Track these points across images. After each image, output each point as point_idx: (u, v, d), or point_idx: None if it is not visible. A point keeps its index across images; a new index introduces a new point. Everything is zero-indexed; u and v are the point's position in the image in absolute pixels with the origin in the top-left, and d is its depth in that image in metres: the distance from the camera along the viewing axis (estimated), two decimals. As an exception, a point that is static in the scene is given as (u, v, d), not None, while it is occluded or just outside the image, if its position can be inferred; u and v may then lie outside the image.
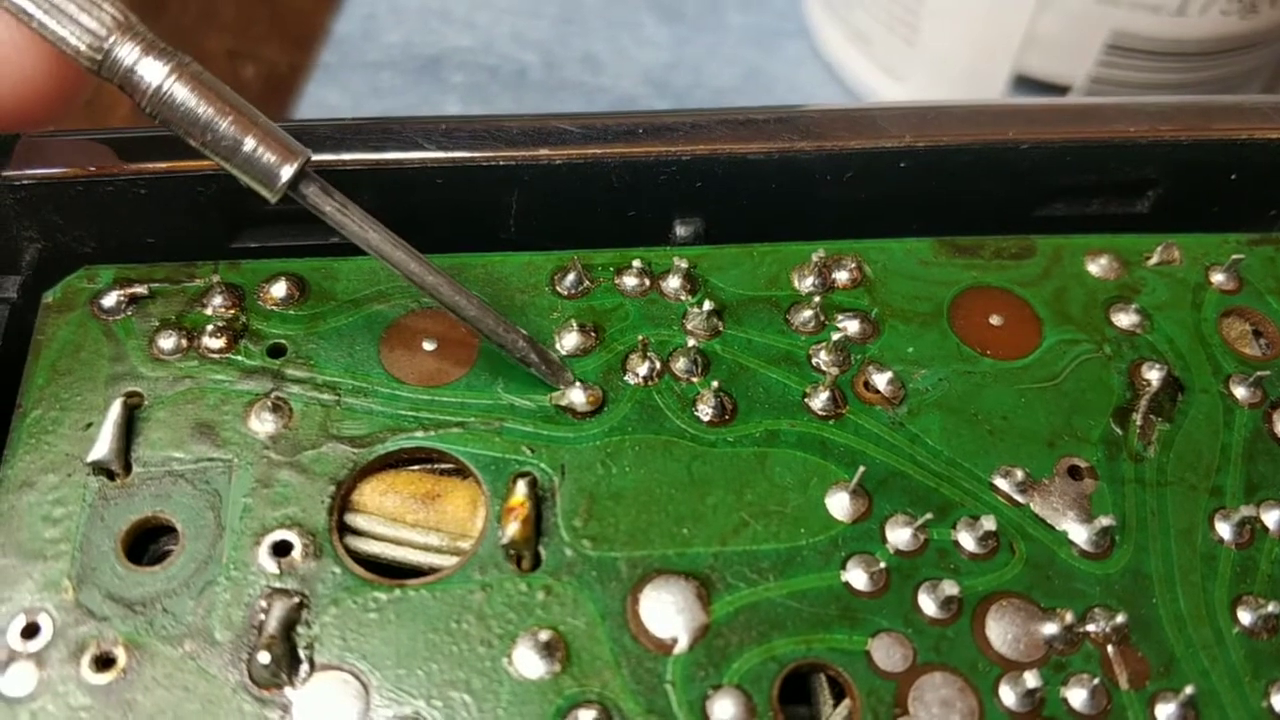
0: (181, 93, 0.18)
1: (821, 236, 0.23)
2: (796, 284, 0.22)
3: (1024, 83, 0.41)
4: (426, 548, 0.19)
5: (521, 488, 0.19)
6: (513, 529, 0.18)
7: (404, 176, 0.22)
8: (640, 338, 0.21)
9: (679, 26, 0.46)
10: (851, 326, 0.22)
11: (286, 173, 0.18)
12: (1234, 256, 0.23)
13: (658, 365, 0.21)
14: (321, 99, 0.43)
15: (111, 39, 0.18)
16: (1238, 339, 0.23)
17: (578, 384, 0.20)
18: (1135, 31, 0.38)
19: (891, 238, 0.23)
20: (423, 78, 0.44)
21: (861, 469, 0.19)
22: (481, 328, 0.20)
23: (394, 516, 0.19)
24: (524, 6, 0.46)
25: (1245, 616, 0.19)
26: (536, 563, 0.19)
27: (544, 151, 0.22)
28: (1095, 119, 0.23)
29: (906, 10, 0.41)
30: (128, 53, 0.18)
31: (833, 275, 0.22)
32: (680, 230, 0.23)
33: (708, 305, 0.21)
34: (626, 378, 0.21)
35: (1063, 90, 0.40)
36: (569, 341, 0.21)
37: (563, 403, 0.20)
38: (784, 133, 0.23)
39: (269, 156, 0.18)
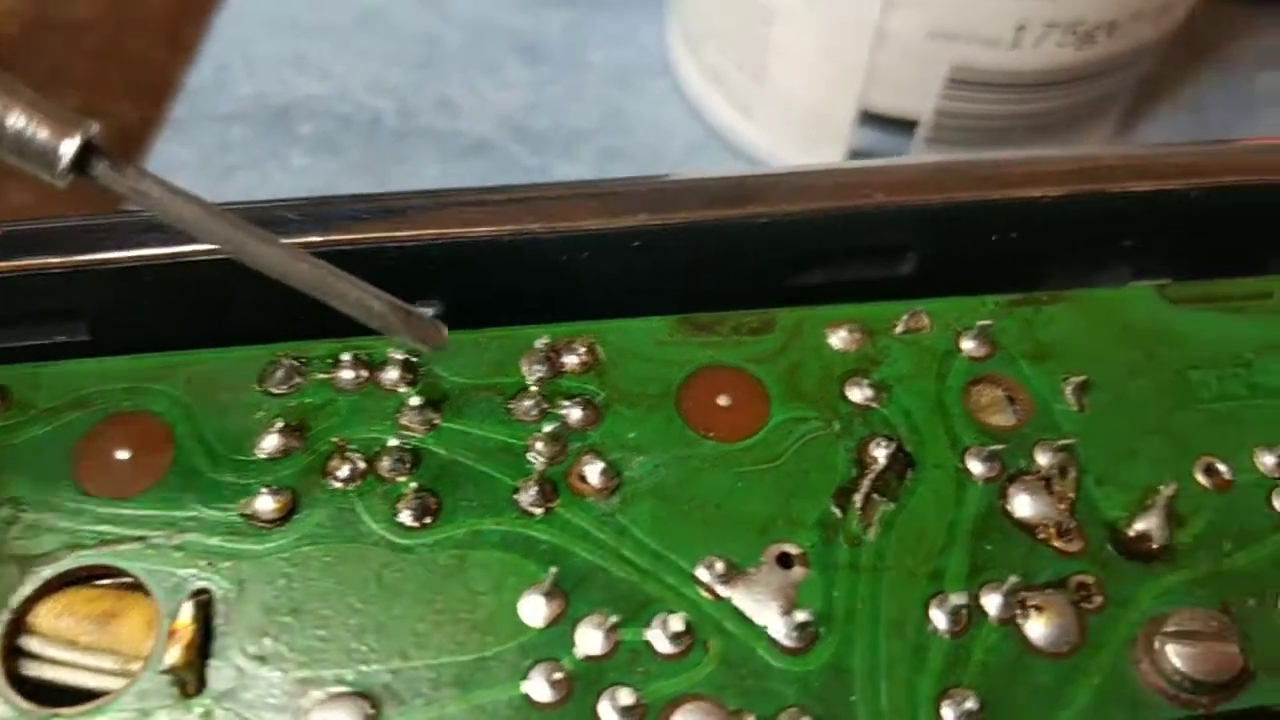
0: None
1: (564, 318, 0.22)
2: (524, 370, 0.22)
3: (872, 119, 0.40)
4: (100, 671, 0.19)
5: (188, 609, 0.18)
6: (172, 654, 0.18)
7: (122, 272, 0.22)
8: (335, 439, 0.20)
9: (541, 67, 0.46)
10: (574, 414, 0.21)
11: (69, 148, 0.16)
12: (980, 322, 0.22)
13: (360, 466, 0.20)
14: (170, 156, 0.43)
15: None
16: (989, 406, 0.22)
17: (264, 490, 0.20)
18: (974, 65, 0.37)
19: (637, 317, 0.23)
20: (272, 130, 0.43)
21: (553, 570, 0.19)
22: (330, 300, 0.18)
23: (68, 639, 0.19)
24: (383, 51, 0.46)
25: (949, 712, 0.19)
26: (204, 687, 0.18)
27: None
28: (840, 188, 0.23)
29: (753, 48, 0.40)
30: None
31: (562, 359, 0.22)
32: (416, 314, 0.23)
33: (415, 400, 0.20)
34: (327, 480, 0.20)
35: (911, 125, 0.40)
36: (268, 444, 0.20)
37: (248, 511, 0.20)
38: (515, 213, 0.22)
39: (42, 133, 0.16)
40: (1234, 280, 0.25)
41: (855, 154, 0.42)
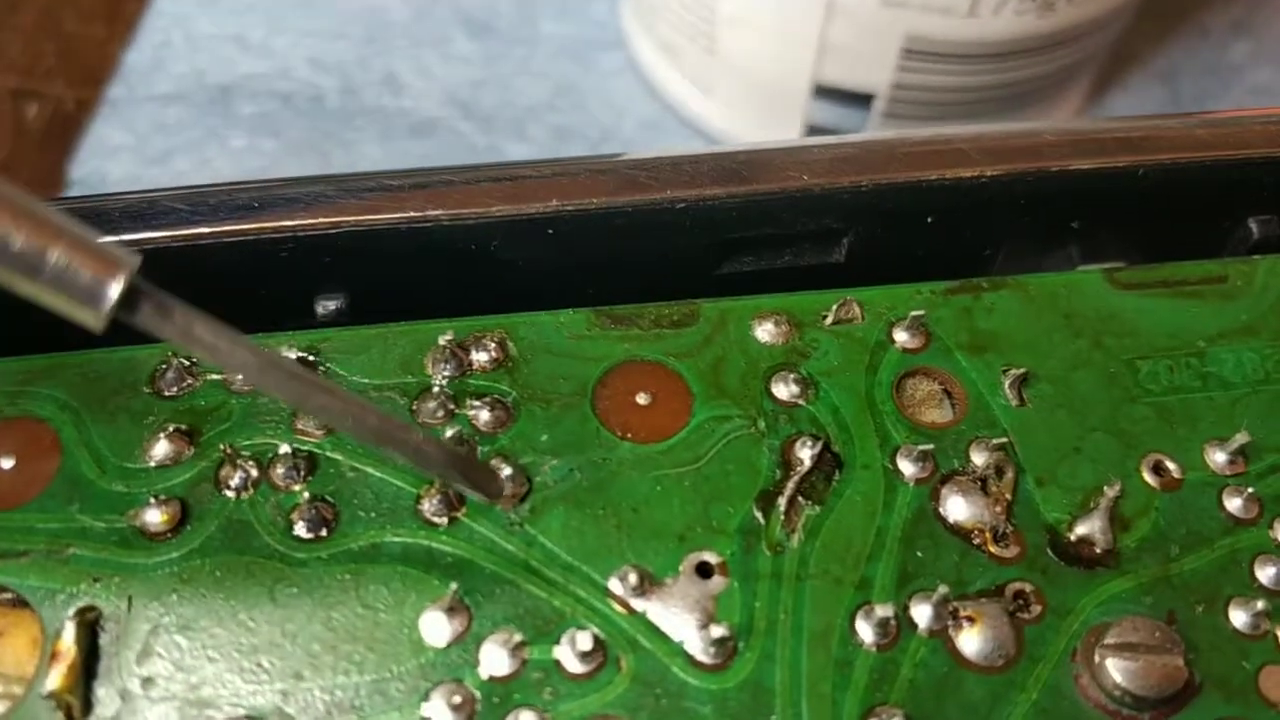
0: None
1: (476, 311, 0.21)
2: (430, 369, 0.20)
3: (827, 93, 0.39)
4: (-19, 694, 0.18)
5: (71, 629, 0.17)
6: (54, 678, 0.17)
7: None
8: (223, 446, 0.19)
9: (490, 40, 0.45)
10: (483, 415, 0.20)
11: (113, 292, 0.14)
12: (913, 312, 0.21)
13: (253, 474, 0.19)
14: (107, 139, 0.41)
15: None
16: (924, 401, 0.21)
17: (154, 501, 0.18)
18: (929, 35, 0.36)
19: (552, 310, 0.21)
20: (211, 110, 0.42)
21: (454, 586, 0.18)
22: (388, 445, 0.17)
23: (-55, 661, 0.18)
24: (326, 28, 0.44)
25: (874, 731, 0.18)
26: (89, 711, 0.17)
27: (148, 235, 0.20)
28: (762, 170, 0.22)
29: (702, 20, 0.39)
30: None
31: (471, 356, 0.21)
32: (321, 309, 0.22)
33: (312, 405, 0.19)
34: (219, 489, 0.19)
35: (868, 99, 0.39)
36: (159, 451, 0.19)
37: (136, 523, 0.18)
38: (416, 199, 0.21)
39: (84, 273, 0.14)
40: (1187, 263, 0.24)
41: (813, 129, 0.40)
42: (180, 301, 0.15)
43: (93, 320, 0.15)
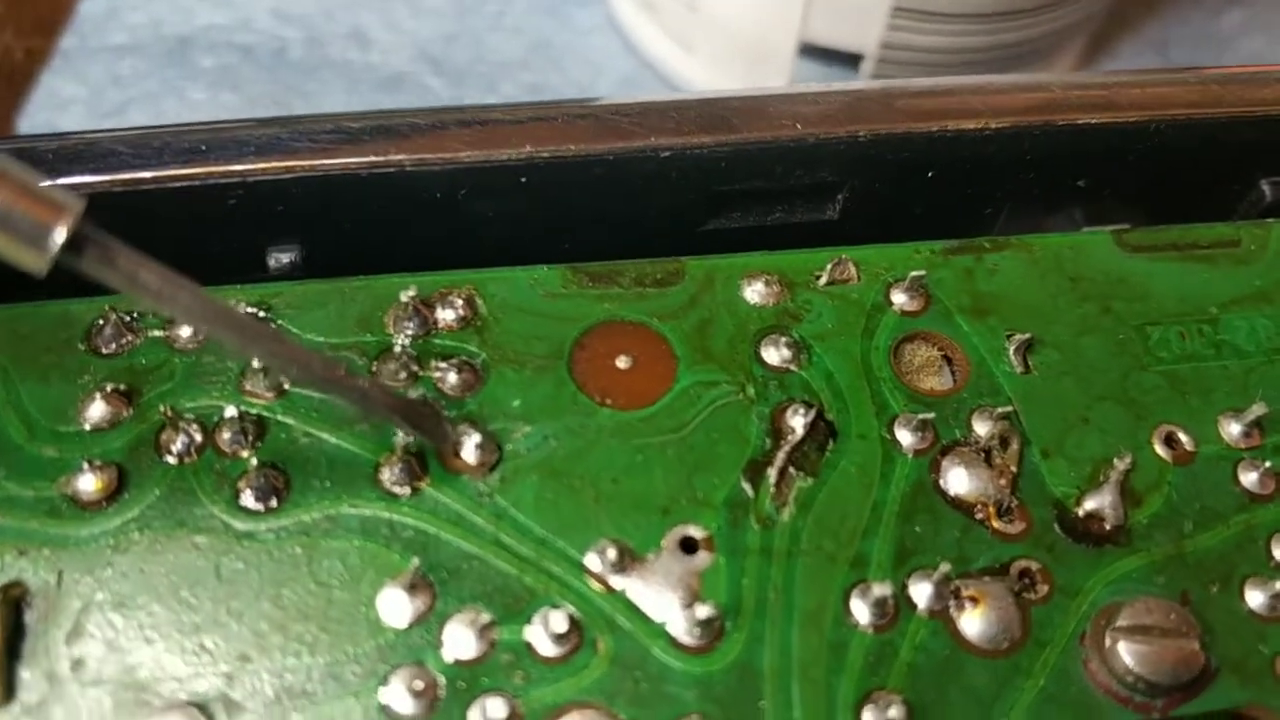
0: None
1: (442, 266, 0.20)
2: (391, 327, 0.19)
3: (814, 51, 0.37)
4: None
5: (-10, 605, 0.16)
6: (-30, 659, 0.15)
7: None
8: (164, 408, 0.17)
9: (463, -6, 0.43)
10: (450, 377, 0.18)
11: (57, 235, 0.14)
12: (913, 273, 0.20)
13: (197, 438, 0.17)
14: (59, 91, 0.39)
15: None
16: (923, 368, 0.20)
17: (88, 466, 0.17)
18: (921, -9, 0.34)
19: (526, 266, 0.20)
20: (169, 62, 0.40)
21: (415, 561, 0.16)
22: (335, 391, 0.17)
23: None
24: (290, -24, 0.42)
25: (872, 719, 0.16)
26: (12, 695, 0.16)
27: (86, 179, 0.19)
28: (753, 119, 0.20)
29: (684, -27, 0.37)
30: None
31: (436, 314, 0.19)
32: (273, 261, 0.20)
33: (259, 361, 0.18)
34: (160, 455, 0.17)
35: (856, 58, 0.37)
36: (94, 413, 0.18)
37: (68, 490, 0.17)
38: (378, 144, 0.19)
39: (28, 215, 0.14)
40: (1199, 226, 0.22)
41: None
42: (126, 246, 0.15)
43: (36, 263, 0.14)
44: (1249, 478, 0.19)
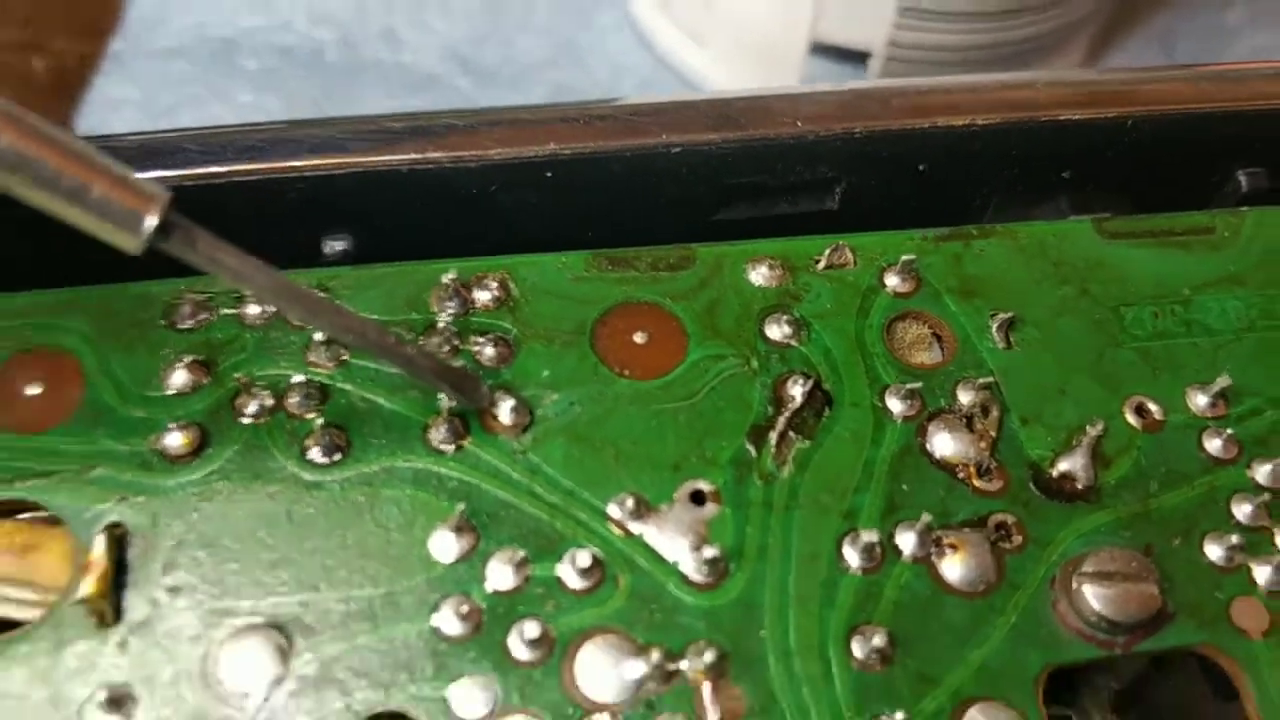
0: (10, 147, 0.16)
1: (478, 253, 0.22)
2: (435, 306, 0.21)
3: (824, 50, 0.39)
4: (20, 602, 0.19)
5: (100, 542, 0.18)
6: (85, 586, 0.18)
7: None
8: (239, 376, 0.20)
9: (490, -4, 0.45)
10: (487, 350, 0.21)
11: (149, 222, 0.16)
12: (904, 257, 0.22)
13: (269, 402, 0.20)
14: (113, 93, 0.42)
15: None
16: (914, 344, 0.22)
17: (173, 426, 0.19)
18: (924, -7, 0.36)
19: (552, 252, 0.22)
20: (215, 64, 0.42)
21: (460, 506, 0.19)
22: (386, 356, 0.19)
23: (-15, 571, 0.19)
24: (327, -20, 0.45)
25: (858, 648, 0.18)
26: (120, 618, 0.18)
27: (161, 174, 0.21)
28: (757, 117, 0.22)
29: (701, -24, 0.39)
30: None
31: (474, 295, 0.21)
32: (328, 249, 0.22)
33: (321, 335, 0.20)
34: (236, 416, 0.20)
35: (863, 57, 0.39)
36: (176, 380, 0.20)
37: (158, 446, 0.19)
38: (418, 142, 0.21)
39: (124, 205, 0.16)
40: (1175, 214, 0.24)
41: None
42: (206, 231, 0.17)
43: (130, 244, 0.17)
44: (1213, 444, 0.21)
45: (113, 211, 0.16)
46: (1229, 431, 0.21)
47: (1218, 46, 0.49)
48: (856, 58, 0.39)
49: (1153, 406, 0.22)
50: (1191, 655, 0.20)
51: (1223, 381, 0.21)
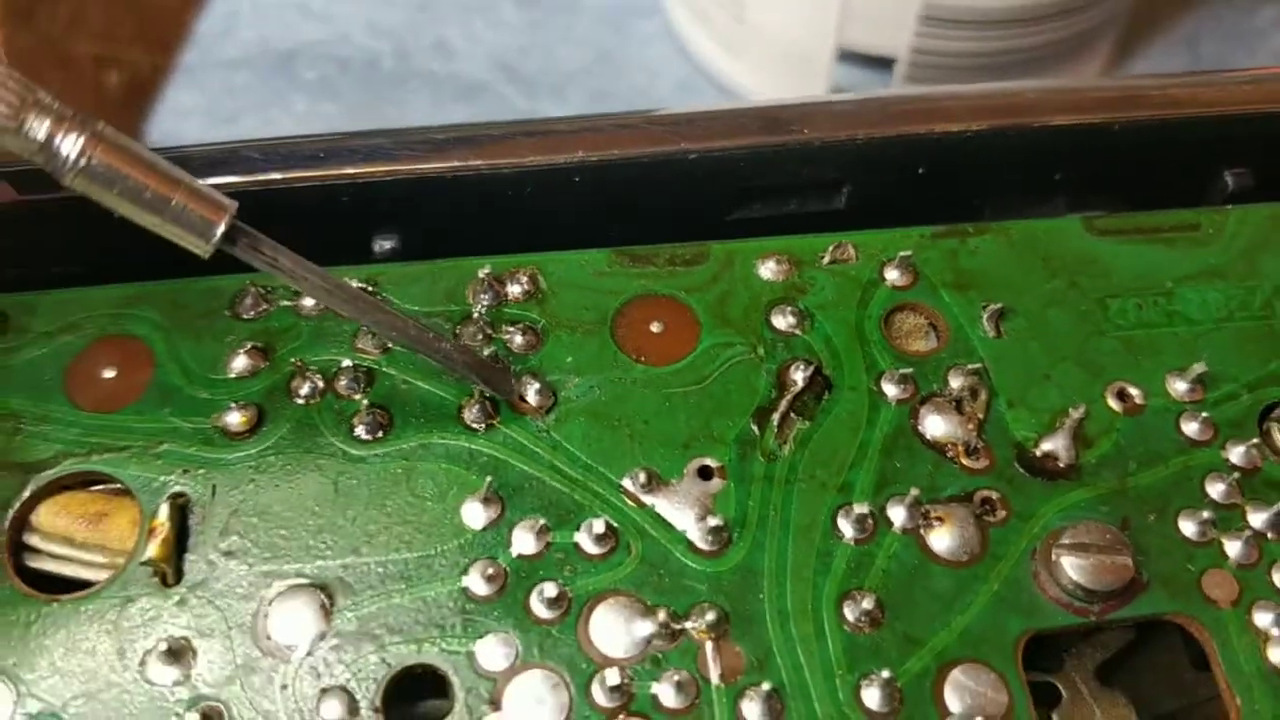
0: (101, 163, 0.18)
1: (511, 250, 0.24)
2: (471, 299, 0.23)
3: (850, 57, 0.41)
4: (92, 564, 0.21)
5: (165, 509, 0.21)
6: (150, 548, 0.20)
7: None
8: (294, 360, 0.22)
9: (534, 9, 0.47)
10: (517, 339, 0.23)
11: (218, 229, 0.19)
12: (901, 253, 0.24)
13: (320, 384, 0.22)
14: (181, 102, 0.45)
15: (20, 121, 0.18)
16: (911, 333, 0.24)
17: (234, 406, 0.22)
18: (946, 2, 0.38)
19: (578, 249, 0.24)
20: (275, 75, 0.45)
21: (489, 479, 0.21)
22: (424, 351, 0.21)
23: (64, 535, 0.21)
24: (381, -5, 0.47)
25: (850, 611, 0.20)
26: (180, 578, 0.20)
27: (229, 180, 0.24)
28: (768, 125, 0.24)
29: (732, -13, 0.41)
30: (39, 130, 0.18)
31: (506, 289, 0.23)
32: (377, 247, 0.25)
33: (371, 323, 0.22)
34: (290, 398, 0.22)
35: (888, 63, 0.41)
36: (237, 365, 0.22)
37: (219, 424, 0.22)
38: (459, 150, 0.24)
39: (197, 213, 0.19)
40: (1162, 212, 0.26)
41: (837, 91, 0.43)
42: (267, 238, 0.19)
43: (201, 249, 0.19)
44: (1190, 426, 0.23)
45: (188, 219, 0.19)
46: (1205, 415, 0.23)
47: (1244, 49, 0.49)
48: (882, 64, 0.41)
49: (1134, 391, 0.23)
50: (1175, 627, 0.21)
51: (1199, 368, 0.23)
